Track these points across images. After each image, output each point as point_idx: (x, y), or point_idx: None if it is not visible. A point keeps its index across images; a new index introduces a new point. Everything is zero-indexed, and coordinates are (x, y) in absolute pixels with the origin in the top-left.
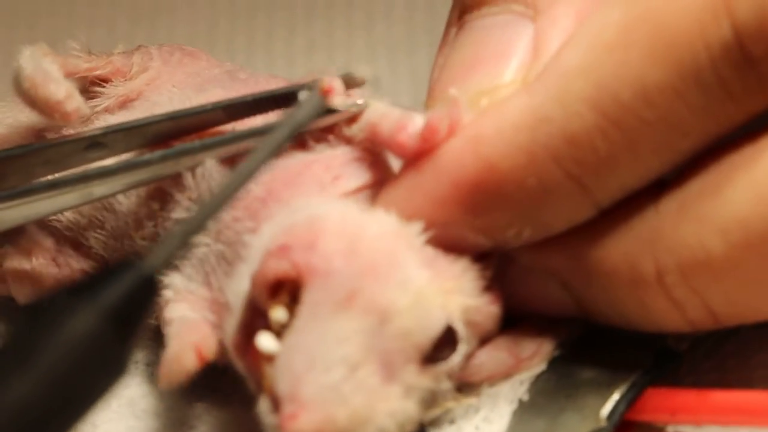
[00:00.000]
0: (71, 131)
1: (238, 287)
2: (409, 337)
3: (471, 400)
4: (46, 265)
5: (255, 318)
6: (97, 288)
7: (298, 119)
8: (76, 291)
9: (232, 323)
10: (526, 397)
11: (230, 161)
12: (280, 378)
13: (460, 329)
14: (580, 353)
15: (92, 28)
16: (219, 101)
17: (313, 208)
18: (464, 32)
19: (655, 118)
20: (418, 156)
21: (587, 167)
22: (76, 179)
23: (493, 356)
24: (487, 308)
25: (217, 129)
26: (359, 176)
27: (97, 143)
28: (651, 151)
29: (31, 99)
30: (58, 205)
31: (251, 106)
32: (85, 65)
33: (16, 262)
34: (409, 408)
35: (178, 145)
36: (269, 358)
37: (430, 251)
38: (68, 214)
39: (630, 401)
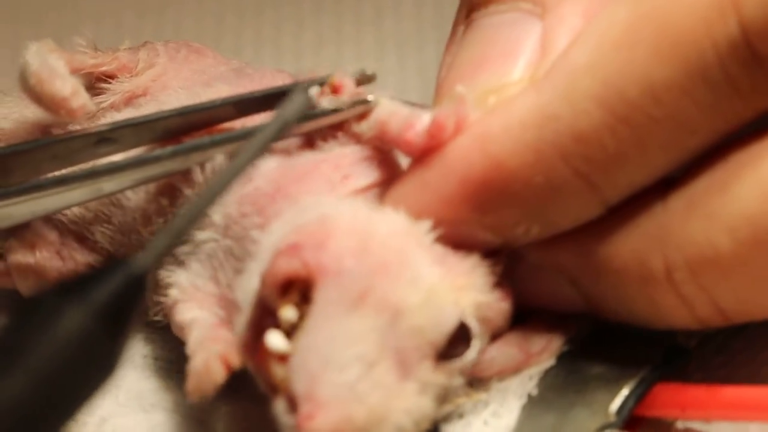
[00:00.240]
0: (77, 128)
1: (248, 286)
2: (422, 334)
3: (481, 395)
4: (50, 258)
5: (264, 317)
6: (87, 286)
7: (285, 118)
8: (66, 289)
9: (241, 322)
10: (535, 392)
11: None
12: (296, 378)
13: (474, 325)
14: (589, 349)
15: (99, 23)
16: (229, 97)
17: (323, 207)
18: (472, 30)
19: (662, 116)
20: (425, 154)
21: (595, 165)
22: (85, 175)
23: (503, 351)
24: (498, 304)
25: (226, 125)
26: (368, 175)
27: (107, 138)
28: (659, 148)
29: (37, 95)
30: (68, 200)
31: (261, 101)
32: (91, 61)
33: (20, 256)
34: (424, 405)
35: (189, 141)
36: (278, 357)
37: (440, 249)
38: (74, 209)
39: (639, 397)
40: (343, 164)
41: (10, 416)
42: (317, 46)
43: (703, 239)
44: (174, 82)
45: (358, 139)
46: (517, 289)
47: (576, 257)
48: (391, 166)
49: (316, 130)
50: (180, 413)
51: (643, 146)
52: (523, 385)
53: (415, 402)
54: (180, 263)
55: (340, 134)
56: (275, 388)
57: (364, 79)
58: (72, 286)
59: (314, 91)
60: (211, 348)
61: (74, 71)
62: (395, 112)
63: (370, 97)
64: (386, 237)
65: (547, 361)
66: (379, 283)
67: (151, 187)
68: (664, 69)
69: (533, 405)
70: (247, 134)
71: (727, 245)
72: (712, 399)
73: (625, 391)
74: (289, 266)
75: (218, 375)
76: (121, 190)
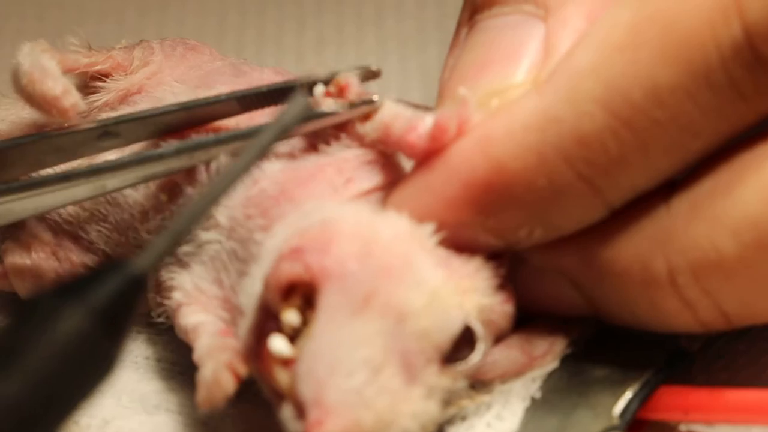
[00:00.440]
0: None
1: (251, 289)
2: (427, 338)
3: (484, 398)
4: (46, 258)
5: (267, 321)
6: (86, 287)
7: (285, 121)
8: (64, 290)
9: (244, 326)
10: (538, 395)
11: None
12: (303, 384)
13: (478, 328)
14: (592, 352)
15: (101, 21)
16: (233, 92)
17: (326, 210)
18: (475, 32)
19: (666, 119)
20: (427, 156)
21: (598, 168)
22: (89, 172)
23: (506, 354)
24: (501, 307)
25: (230, 122)
26: (371, 178)
27: (110, 132)
28: (662, 151)
29: (28, 95)
30: (70, 197)
31: (265, 97)
32: (84, 60)
33: (17, 257)
34: (431, 408)
35: (193, 139)
36: (282, 362)
37: (443, 252)
38: (69, 208)
39: (643, 400)
40: (347, 168)
41: (8, 417)
42: (319, 46)
43: (707, 242)
44: (169, 79)
45: (361, 140)
46: (519, 291)
47: (579, 260)
48: (394, 169)
49: (320, 130)
50: (183, 415)
51: (646, 149)
52: (526, 387)
53: (422, 406)
54: (183, 265)
55: (343, 136)
56: (280, 394)
57: (369, 75)
58: (70, 287)
59: (319, 90)
60: (220, 357)
61: (68, 71)
62: (399, 115)
63: (375, 98)
64: (389, 240)
65: (550, 364)
66: (383, 286)
67: (151, 183)
68: (668, 71)
69: (536, 408)
70: (252, 133)
71: (731, 248)
72: (715, 402)
73: (628, 394)
74: (291, 270)
75: (228, 386)
76: (124, 187)
